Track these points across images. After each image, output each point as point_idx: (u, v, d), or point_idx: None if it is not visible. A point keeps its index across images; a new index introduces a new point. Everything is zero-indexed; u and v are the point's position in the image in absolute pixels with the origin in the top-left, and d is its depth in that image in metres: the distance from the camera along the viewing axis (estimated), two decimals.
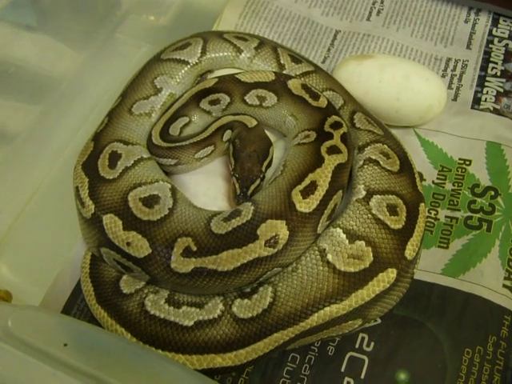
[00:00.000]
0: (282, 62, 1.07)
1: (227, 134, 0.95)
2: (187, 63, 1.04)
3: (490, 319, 0.89)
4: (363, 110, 1.01)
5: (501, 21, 1.28)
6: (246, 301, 0.79)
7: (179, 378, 0.71)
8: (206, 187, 0.94)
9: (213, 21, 1.30)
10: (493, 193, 1.03)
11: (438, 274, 0.95)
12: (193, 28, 1.13)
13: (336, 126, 0.91)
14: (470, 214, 1.01)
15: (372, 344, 0.89)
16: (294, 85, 0.97)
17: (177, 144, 0.93)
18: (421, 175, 1.05)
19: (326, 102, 0.96)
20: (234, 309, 0.79)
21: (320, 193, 0.81)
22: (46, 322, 0.75)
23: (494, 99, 1.15)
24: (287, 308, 0.77)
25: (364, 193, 0.86)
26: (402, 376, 0.86)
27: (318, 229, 0.82)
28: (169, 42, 1.09)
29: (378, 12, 1.32)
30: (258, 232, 0.77)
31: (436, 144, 1.10)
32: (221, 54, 1.06)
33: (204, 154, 0.94)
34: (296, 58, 1.08)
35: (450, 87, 1.19)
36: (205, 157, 0.95)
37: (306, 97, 0.96)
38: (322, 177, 0.83)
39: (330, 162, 0.85)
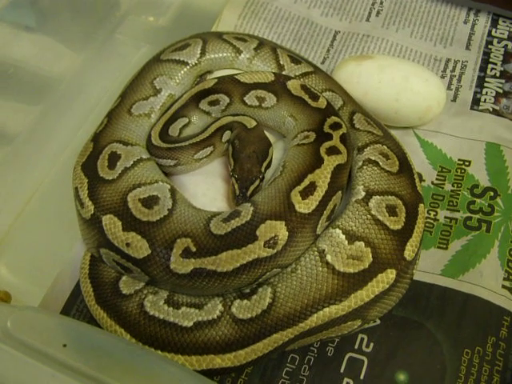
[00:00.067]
0: (281, 62, 1.07)
1: (226, 135, 0.95)
2: (187, 64, 1.04)
3: (489, 320, 0.90)
4: (362, 111, 1.02)
5: (500, 22, 1.28)
6: (245, 301, 0.79)
7: (178, 379, 0.71)
8: (205, 188, 0.94)
9: (212, 21, 1.31)
10: (492, 193, 1.03)
11: (438, 274, 0.95)
12: (192, 29, 1.13)
13: (335, 126, 0.91)
14: (469, 214, 1.01)
15: (371, 345, 0.89)
16: (293, 85, 0.97)
17: (176, 145, 0.93)
18: (420, 176, 1.05)
19: (326, 103, 0.96)
20: (234, 309, 0.79)
21: (319, 193, 0.81)
22: (45, 322, 0.75)
23: (493, 100, 1.16)
24: (286, 309, 0.77)
25: (363, 193, 0.86)
26: (402, 377, 0.86)
27: (318, 229, 0.82)
28: (168, 42, 1.10)
29: (378, 13, 1.32)
30: (258, 233, 0.77)
31: (435, 145, 1.10)
32: (220, 55, 1.06)
33: (203, 155, 0.94)
34: (295, 59, 1.08)
35: (449, 88, 1.19)
36: (204, 157, 0.95)
37: (306, 97, 0.96)
38: (322, 177, 0.83)
39: (330, 163, 0.85)
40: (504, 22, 1.28)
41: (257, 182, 0.88)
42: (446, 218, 1.01)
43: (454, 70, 1.22)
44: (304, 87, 0.98)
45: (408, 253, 0.82)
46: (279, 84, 0.98)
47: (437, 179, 1.06)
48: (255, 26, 1.31)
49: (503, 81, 1.19)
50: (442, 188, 1.05)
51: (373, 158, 0.91)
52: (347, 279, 0.78)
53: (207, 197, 0.93)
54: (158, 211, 0.81)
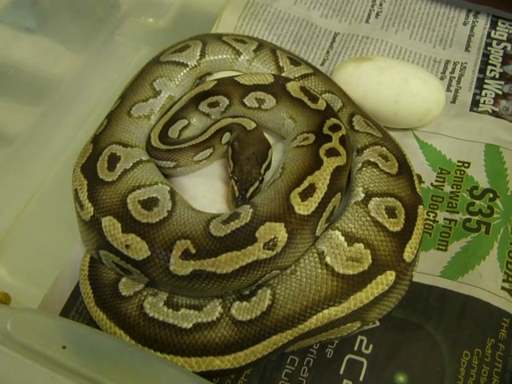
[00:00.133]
0: (280, 64, 1.07)
1: (226, 137, 0.96)
2: (186, 66, 1.04)
3: (488, 321, 0.90)
4: (362, 113, 1.02)
5: (499, 23, 1.28)
6: (244, 303, 0.79)
7: (178, 381, 0.71)
8: (204, 190, 0.94)
9: (212, 23, 1.31)
10: (491, 195, 1.03)
11: (437, 276, 0.95)
12: (192, 30, 1.13)
13: (335, 128, 0.91)
14: (468, 216, 1.01)
15: (371, 346, 0.89)
16: (292, 87, 0.97)
17: (176, 146, 0.93)
18: (419, 177, 1.05)
19: (325, 105, 0.96)
20: (233, 311, 0.79)
21: (319, 195, 0.81)
22: (44, 324, 0.75)
23: (492, 101, 1.16)
24: (286, 310, 0.77)
25: (363, 195, 0.86)
26: (401, 378, 0.86)
27: (317, 231, 0.82)
28: (168, 44, 1.10)
29: (377, 14, 1.32)
30: (257, 234, 0.77)
31: (435, 146, 1.10)
32: (220, 57, 1.06)
33: (203, 157, 0.94)
34: (295, 61, 1.08)
35: (448, 89, 1.19)
36: (204, 159, 0.95)
37: (305, 99, 0.96)
38: (321, 179, 0.83)
39: (329, 165, 0.85)
40: (503, 23, 1.28)
41: (256, 184, 0.88)
42: (445, 219, 1.01)
43: (453, 71, 1.22)
44: (303, 89, 0.98)
45: (407, 254, 0.82)
46: (279, 86, 0.98)
47: (436, 181, 1.06)
48: (255, 28, 1.31)
49: (502, 82, 1.19)
50: (442, 190, 1.05)
51: (372, 160, 0.91)
52: (346, 281, 0.78)
53: (207, 198, 0.93)
54: (158, 213, 0.81)
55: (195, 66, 1.05)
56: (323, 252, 0.81)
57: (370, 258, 0.80)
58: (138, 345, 0.78)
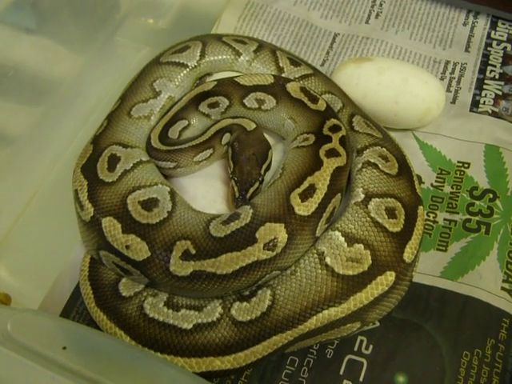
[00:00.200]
0: (280, 64, 1.07)
1: (226, 137, 0.96)
2: (186, 66, 1.04)
3: (488, 322, 0.90)
4: (362, 113, 1.02)
5: (499, 24, 1.28)
6: (244, 304, 0.79)
7: (178, 381, 0.71)
8: (204, 190, 0.94)
9: (212, 24, 1.31)
10: (491, 195, 1.03)
11: (437, 276, 0.95)
12: (192, 31, 1.13)
13: (335, 129, 0.91)
14: (468, 216, 1.01)
15: (371, 347, 0.89)
16: (292, 88, 0.97)
17: (176, 147, 0.93)
18: (419, 178, 1.05)
19: (325, 105, 0.96)
20: (233, 312, 0.79)
21: (319, 196, 0.81)
22: (45, 325, 0.75)
23: (492, 102, 1.16)
24: (286, 311, 0.77)
25: (363, 196, 0.86)
26: (401, 379, 0.86)
27: (317, 232, 0.82)
28: (168, 44, 1.10)
29: (377, 15, 1.32)
30: (257, 235, 0.77)
31: (435, 147, 1.10)
32: (220, 57, 1.06)
33: (203, 157, 0.94)
34: (295, 61, 1.08)
35: (448, 90, 1.19)
36: (204, 160, 0.95)
37: (305, 100, 0.96)
38: (321, 180, 0.83)
39: (329, 165, 0.85)
40: (503, 24, 1.28)
41: (256, 185, 0.88)
42: (445, 220, 1.01)
43: (453, 72, 1.22)
44: (303, 89, 0.98)
45: (407, 255, 0.82)
46: (279, 86, 0.98)
47: (436, 181, 1.06)
48: (255, 28, 1.31)
49: (502, 83, 1.19)
50: (442, 190, 1.05)
51: (372, 161, 0.91)
52: (346, 281, 0.78)
53: (207, 199, 0.93)
54: (158, 213, 0.81)
55: (195, 66, 1.05)
56: (323, 252, 0.81)
57: (369, 258, 0.80)
58: (138, 345, 0.78)
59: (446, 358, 0.87)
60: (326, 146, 0.88)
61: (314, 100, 0.96)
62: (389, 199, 0.86)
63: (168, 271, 0.77)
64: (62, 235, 1.01)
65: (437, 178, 1.06)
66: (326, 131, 0.91)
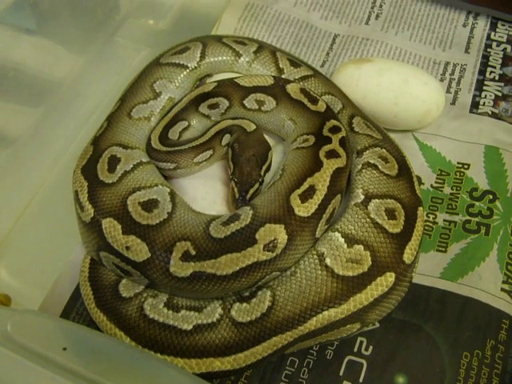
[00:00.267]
0: (280, 66, 1.07)
1: (226, 139, 0.96)
2: (186, 67, 1.04)
3: (488, 323, 0.90)
4: (362, 114, 1.02)
5: (499, 25, 1.28)
6: (244, 305, 0.79)
7: (178, 382, 0.71)
8: (204, 191, 0.94)
9: (212, 25, 1.31)
10: (491, 197, 1.03)
11: (437, 277, 0.95)
12: (192, 32, 1.13)
13: (334, 130, 0.92)
14: (468, 217, 1.01)
15: (370, 348, 0.89)
16: (292, 89, 0.98)
17: (176, 148, 0.93)
18: (419, 179, 1.05)
19: (325, 106, 0.96)
20: (233, 313, 0.79)
21: (318, 197, 0.81)
22: (45, 326, 0.75)
23: (492, 103, 1.16)
24: (286, 312, 0.77)
25: (362, 197, 0.86)
26: (401, 380, 0.86)
27: (317, 233, 0.82)
28: (168, 45, 1.10)
29: (377, 16, 1.32)
30: (257, 236, 0.77)
31: (434, 148, 1.10)
32: (220, 58, 1.07)
33: (203, 158, 0.94)
34: (295, 62, 1.08)
35: (448, 91, 1.19)
36: (204, 161, 0.95)
37: (305, 101, 0.96)
38: (321, 181, 0.83)
39: (329, 167, 0.85)
40: (503, 25, 1.28)
41: (256, 186, 0.88)
42: (445, 221, 1.01)
43: (453, 73, 1.22)
44: (303, 91, 0.98)
45: (407, 256, 0.82)
46: (279, 87, 0.98)
47: (436, 182, 1.06)
48: (255, 30, 1.31)
49: (502, 84, 1.19)
50: (441, 191, 1.05)
51: (372, 162, 0.91)
52: (346, 282, 0.78)
53: (207, 200, 0.93)
54: (158, 215, 0.81)
55: (195, 67, 1.05)
56: (323, 253, 0.81)
57: (369, 259, 0.80)
58: (138, 346, 0.78)
59: (446, 359, 0.87)
60: (326, 147, 0.88)
61: (314, 101, 0.96)
62: (389, 200, 0.86)
63: (168, 272, 0.77)
64: (62, 236, 1.01)
65: (437, 179, 1.06)
66: (325, 132, 0.91)
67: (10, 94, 1.15)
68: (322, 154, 0.87)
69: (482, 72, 1.21)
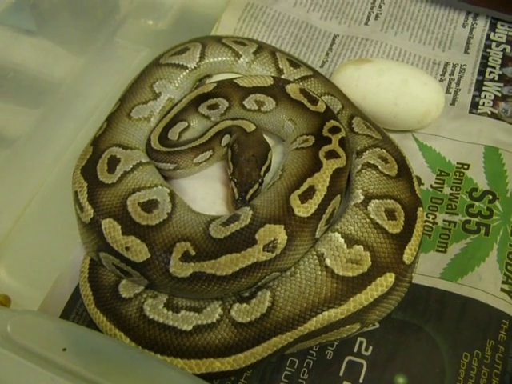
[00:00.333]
0: (280, 66, 1.07)
1: (226, 139, 0.96)
2: (186, 68, 1.04)
3: (488, 323, 0.90)
4: (361, 115, 1.02)
5: (498, 25, 1.28)
6: (244, 305, 0.79)
7: (178, 383, 0.71)
8: (204, 192, 0.94)
9: (211, 25, 1.31)
10: (491, 197, 1.03)
11: (437, 278, 0.95)
12: (191, 32, 1.13)
13: (334, 130, 0.92)
14: (468, 218, 1.01)
15: (370, 348, 0.89)
16: (292, 89, 0.98)
17: (175, 149, 0.93)
18: (419, 179, 1.05)
19: (325, 107, 0.96)
20: (233, 313, 0.79)
21: (318, 197, 0.81)
22: (44, 326, 0.75)
23: (491, 103, 1.16)
24: (285, 312, 0.77)
25: (362, 197, 0.86)
26: (401, 380, 0.86)
27: (317, 233, 0.82)
28: (168, 46, 1.10)
29: (377, 16, 1.32)
30: (257, 236, 0.77)
31: (434, 148, 1.10)
32: (219, 59, 1.07)
33: (203, 159, 0.94)
34: (294, 63, 1.08)
35: (447, 91, 1.19)
36: (203, 161, 0.95)
37: (305, 101, 0.96)
38: (321, 181, 0.83)
39: (329, 167, 0.85)
40: (502, 25, 1.28)
41: (256, 186, 0.88)
42: (444, 221, 1.01)
43: (452, 73, 1.22)
44: (303, 91, 0.98)
45: (407, 256, 0.82)
46: (278, 88, 0.98)
47: (436, 183, 1.06)
48: (254, 30, 1.31)
49: (501, 84, 1.19)
50: (441, 191, 1.05)
51: (372, 162, 0.91)
52: (346, 283, 0.78)
53: (206, 201, 0.93)
54: (158, 215, 0.81)
55: (195, 68, 1.05)
56: (323, 254, 0.81)
57: (369, 259, 0.80)
58: (138, 347, 0.78)
59: (446, 359, 0.87)
60: (326, 148, 0.88)
61: (314, 101, 0.96)
62: (388, 200, 0.86)
63: (168, 273, 0.77)
64: (61, 237, 1.01)
65: (436, 179, 1.06)
66: (325, 133, 0.91)
67: (9, 94, 1.15)
68: (321, 154, 0.87)
69: (481, 72, 1.21)
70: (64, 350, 0.68)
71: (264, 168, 0.91)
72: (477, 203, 1.02)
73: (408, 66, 1.15)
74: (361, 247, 0.81)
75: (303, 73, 1.06)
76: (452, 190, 1.05)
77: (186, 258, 0.76)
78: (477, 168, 1.06)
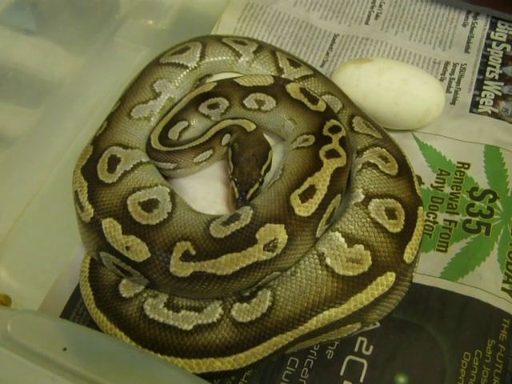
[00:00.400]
0: (280, 65, 1.07)
1: (226, 138, 0.96)
2: (186, 67, 1.04)
3: (488, 322, 0.90)
4: (362, 114, 1.02)
5: (499, 24, 1.28)
6: (245, 305, 0.79)
7: (178, 382, 0.71)
8: (204, 191, 0.94)
9: (211, 25, 1.31)
10: (491, 196, 1.03)
11: (437, 277, 0.95)
12: (191, 32, 1.13)
13: (335, 129, 0.91)
14: (468, 217, 1.01)
15: (371, 348, 0.89)
16: (292, 89, 0.98)
17: (176, 148, 0.93)
18: (419, 179, 1.05)
19: (325, 106, 0.96)
20: (233, 313, 0.79)
21: (319, 197, 0.81)
22: (45, 326, 0.74)
23: (492, 103, 1.16)
24: (286, 312, 0.77)
25: (363, 196, 0.86)
26: (401, 379, 0.86)
27: (317, 233, 0.82)
28: (168, 45, 1.10)
29: (377, 16, 1.32)
30: (257, 236, 0.77)
31: (434, 147, 1.10)
32: (219, 58, 1.06)
33: (203, 158, 0.94)
34: (295, 62, 1.08)
35: (448, 91, 1.19)
36: (204, 161, 0.95)
37: (305, 101, 0.96)
38: (321, 181, 0.83)
39: (329, 166, 0.85)
40: (503, 24, 1.28)
41: (256, 186, 0.88)
42: (445, 220, 1.01)
43: (452, 72, 1.22)
44: (303, 90, 0.98)
45: (407, 256, 0.82)
46: (278, 87, 0.98)
47: (436, 182, 1.06)
48: (254, 29, 1.31)
49: (502, 83, 1.19)
50: (442, 191, 1.05)
51: (372, 161, 0.91)
52: (347, 282, 0.78)
53: (207, 200, 0.93)
54: (158, 215, 0.81)
55: (195, 67, 1.05)
56: (323, 253, 0.81)
57: (370, 259, 0.80)
58: (138, 346, 0.78)
59: (447, 359, 0.87)
60: (326, 147, 0.88)
61: (314, 101, 0.96)
62: (389, 200, 0.86)
63: (168, 272, 0.77)
64: (62, 236, 1.01)
65: (437, 178, 1.06)
66: (325, 132, 0.91)
67: (9, 94, 1.15)
68: (322, 153, 0.87)
69: (481, 71, 1.21)
70: (64, 349, 0.68)
71: (264, 167, 0.91)
72: (477, 202, 1.02)
73: (408, 66, 1.15)
74: (361, 246, 0.80)
75: (303, 72, 1.06)
76: (452, 189, 1.05)
77: (186, 257, 0.76)
78: (477, 167, 1.06)
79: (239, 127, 0.95)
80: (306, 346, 0.84)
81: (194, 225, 0.80)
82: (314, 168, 0.84)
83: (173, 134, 0.97)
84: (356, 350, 0.89)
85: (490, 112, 1.14)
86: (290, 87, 0.98)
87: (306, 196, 0.81)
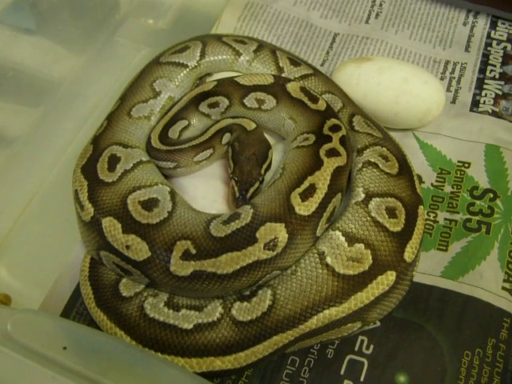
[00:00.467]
0: (280, 64, 1.07)
1: (226, 137, 0.96)
2: (186, 66, 1.04)
3: (489, 322, 0.90)
4: (362, 113, 1.02)
5: (499, 23, 1.28)
6: (245, 304, 0.79)
7: (179, 381, 0.71)
8: (204, 190, 0.94)
9: (212, 24, 1.31)
10: (492, 195, 1.03)
11: (438, 276, 0.95)
12: (192, 31, 1.13)
13: (335, 128, 0.91)
14: (469, 216, 1.01)
15: (371, 347, 0.89)
16: (292, 88, 0.97)
17: (176, 147, 0.93)
18: (420, 178, 1.05)
19: (325, 105, 0.96)
20: (234, 312, 0.79)
21: (319, 196, 0.81)
22: (45, 325, 0.74)
23: (492, 102, 1.16)
24: (286, 311, 0.77)
25: (363, 195, 0.86)
26: (402, 379, 0.86)
27: (317, 232, 0.82)
28: (168, 45, 1.10)
29: (377, 15, 1.32)
30: (257, 235, 0.77)
31: (435, 147, 1.10)
32: (220, 57, 1.06)
33: (203, 157, 0.94)
34: (295, 61, 1.08)
35: (448, 90, 1.19)
36: (204, 160, 0.95)
37: (305, 100, 0.96)
38: (321, 180, 0.83)
39: (329, 165, 0.85)
40: (503, 23, 1.28)
41: (256, 185, 0.88)
42: (445, 219, 1.01)
43: (453, 71, 1.22)
44: (303, 89, 0.98)
45: (408, 255, 0.82)
46: (279, 86, 0.98)
47: (436, 181, 1.06)
48: (255, 29, 1.31)
49: (502, 82, 1.19)
50: (442, 190, 1.05)
51: (372, 160, 0.91)
52: (347, 281, 0.78)
53: (207, 199, 0.93)
54: (158, 214, 0.81)
55: (195, 66, 1.05)
56: (324, 252, 0.81)
57: (370, 258, 0.80)
58: (138, 345, 0.78)
59: (447, 358, 0.87)
60: (327, 146, 0.88)
61: (314, 100, 0.96)
62: (389, 199, 0.86)
63: (168, 271, 0.77)
64: (62, 235, 1.02)
65: (437, 177, 1.06)
66: (326, 131, 0.91)
67: (9, 93, 1.15)
68: (322, 152, 0.87)
69: (482, 71, 1.21)
70: (64, 348, 0.68)
71: (264, 166, 0.90)
72: (478, 201, 1.02)
73: (408, 65, 1.15)
74: (362, 245, 0.80)
75: (304, 71, 1.06)
76: (453, 188, 1.05)
77: (186, 256, 0.76)
78: (478, 166, 1.06)
79: (239, 126, 0.95)
80: (306, 345, 0.84)
81: (195, 224, 0.80)
82: (314, 167, 0.84)
83: (173, 133, 0.97)
84: (356, 349, 0.89)
85: (490, 111, 1.14)
86: (290, 86, 0.98)
87: (306, 195, 0.81)
